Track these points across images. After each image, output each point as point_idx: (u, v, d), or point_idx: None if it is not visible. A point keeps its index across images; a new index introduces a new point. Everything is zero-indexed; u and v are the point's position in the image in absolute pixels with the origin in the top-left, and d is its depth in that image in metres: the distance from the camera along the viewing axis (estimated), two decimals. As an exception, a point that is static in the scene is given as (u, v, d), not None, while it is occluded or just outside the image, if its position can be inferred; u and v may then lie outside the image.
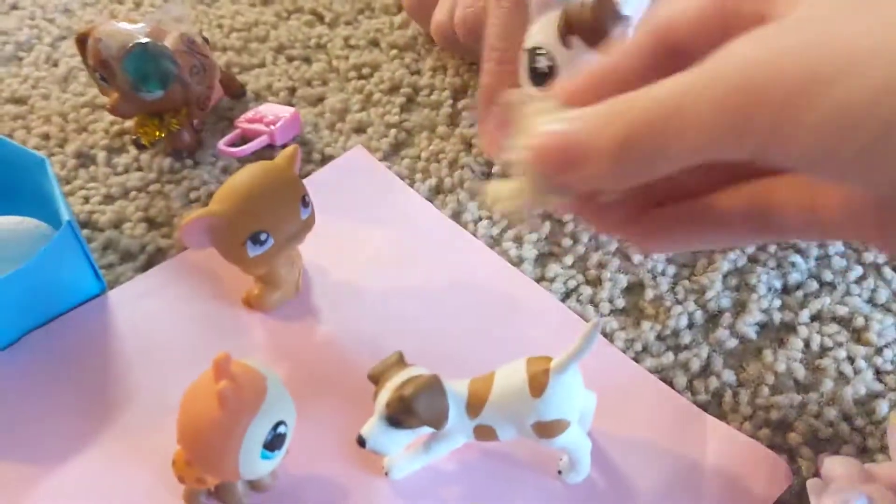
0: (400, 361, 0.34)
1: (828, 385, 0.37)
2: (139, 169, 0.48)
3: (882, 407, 0.36)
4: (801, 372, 0.37)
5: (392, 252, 0.43)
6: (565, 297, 0.41)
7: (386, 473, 0.35)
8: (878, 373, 0.38)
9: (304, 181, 0.46)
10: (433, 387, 0.32)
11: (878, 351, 0.38)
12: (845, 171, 0.23)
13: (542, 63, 0.38)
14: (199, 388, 0.31)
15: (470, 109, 0.50)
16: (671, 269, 0.42)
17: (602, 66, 0.29)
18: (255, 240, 0.36)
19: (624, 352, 0.39)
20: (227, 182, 0.37)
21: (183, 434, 0.31)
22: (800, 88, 0.22)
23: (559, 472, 0.35)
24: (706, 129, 0.23)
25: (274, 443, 0.31)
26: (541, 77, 0.38)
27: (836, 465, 0.33)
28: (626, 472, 0.35)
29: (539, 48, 0.38)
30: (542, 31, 0.38)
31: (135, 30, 0.44)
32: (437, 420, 0.32)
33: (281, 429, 0.31)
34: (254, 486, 0.34)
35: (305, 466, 0.35)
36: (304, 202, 0.38)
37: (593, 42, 0.37)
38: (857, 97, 0.21)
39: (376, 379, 0.33)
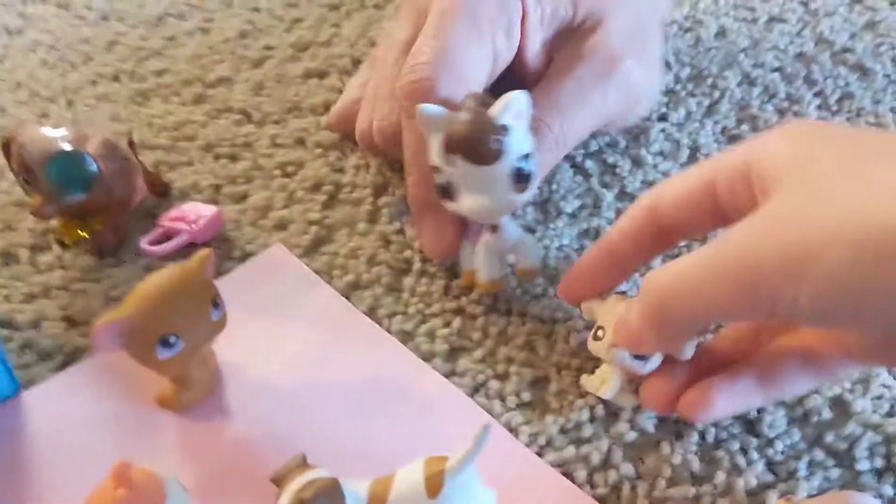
0: (302, 464, 0.35)
1: (721, 477, 0.38)
2: (62, 267, 0.49)
3: (772, 498, 0.38)
4: (696, 464, 0.39)
5: (307, 349, 0.44)
6: (474, 391, 0.42)
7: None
8: (770, 464, 0.39)
9: (223, 279, 0.47)
10: (332, 490, 0.33)
11: (770, 442, 0.40)
12: (843, 324, 0.31)
13: (441, 180, 0.41)
14: (98, 495, 0.31)
15: (390, 207, 0.52)
16: (575, 363, 0.43)
17: (601, 248, 0.39)
18: (165, 343, 0.37)
19: (528, 446, 0.40)
20: (138, 286, 0.38)
21: (81, 542, 0.31)
22: (793, 267, 0.27)
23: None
24: (721, 301, 0.30)
25: (172, 549, 0.32)
26: (442, 192, 0.41)
27: (721, 559, 0.34)
28: (525, 568, 0.36)
29: (435, 167, 0.41)
30: (434, 151, 0.41)
31: (57, 136, 0.45)
32: (335, 525, 0.33)
33: (180, 536, 0.32)
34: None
35: (211, 570, 0.36)
36: (215, 304, 0.39)
37: (474, 159, 0.39)
38: (836, 269, 0.26)
39: (279, 482, 0.34)
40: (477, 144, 0.39)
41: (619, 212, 0.51)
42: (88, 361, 0.44)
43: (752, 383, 0.36)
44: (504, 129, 0.40)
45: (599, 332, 0.39)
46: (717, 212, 0.35)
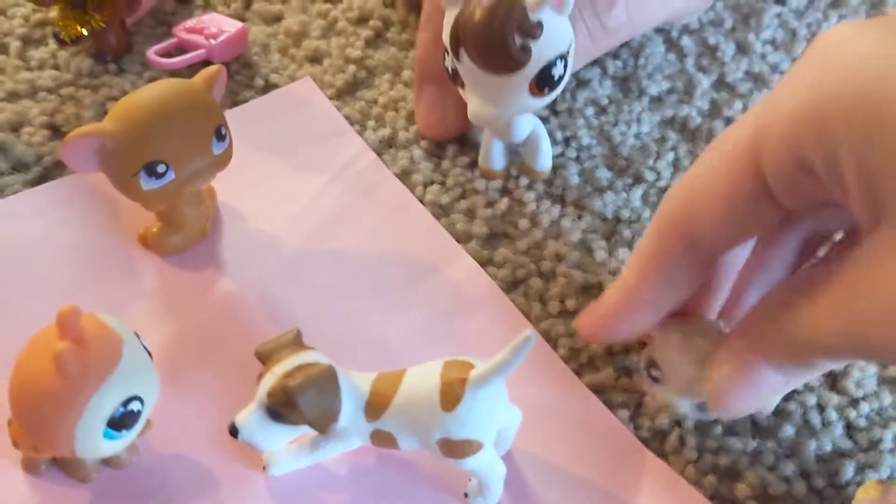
0: (296, 342, 0.28)
1: (789, 432, 0.32)
2: (55, 67, 0.42)
3: (847, 469, 0.31)
4: (761, 414, 0.32)
5: (324, 206, 0.37)
6: (511, 287, 0.36)
7: (264, 468, 0.30)
8: (850, 428, 0.33)
9: (237, 109, 0.40)
10: (325, 382, 0.27)
11: (854, 403, 0.33)
12: None
13: (448, 63, 0.33)
14: (39, 343, 0.25)
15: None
16: (636, 273, 0.36)
17: (617, 291, 0.28)
18: (151, 171, 0.31)
19: (566, 362, 0.34)
20: (128, 97, 0.31)
21: (12, 397, 0.26)
22: None
23: (465, 495, 0.30)
24: None
25: (122, 421, 0.26)
26: (452, 75, 0.33)
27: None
28: (543, 503, 0.30)
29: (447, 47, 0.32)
30: (445, 30, 0.32)
31: None
32: (323, 422, 0.27)
33: (134, 405, 0.26)
34: (107, 460, 0.29)
35: (174, 445, 0.30)
36: (220, 134, 0.32)
37: (486, 65, 0.30)
38: None
39: (264, 358, 0.28)
40: (492, 49, 0.30)
41: (713, 103, 0.42)
42: (69, 179, 0.37)
43: None
44: (537, 29, 0.30)
45: (655, 372, 0.29)
46: (778, 212, 0.25)
